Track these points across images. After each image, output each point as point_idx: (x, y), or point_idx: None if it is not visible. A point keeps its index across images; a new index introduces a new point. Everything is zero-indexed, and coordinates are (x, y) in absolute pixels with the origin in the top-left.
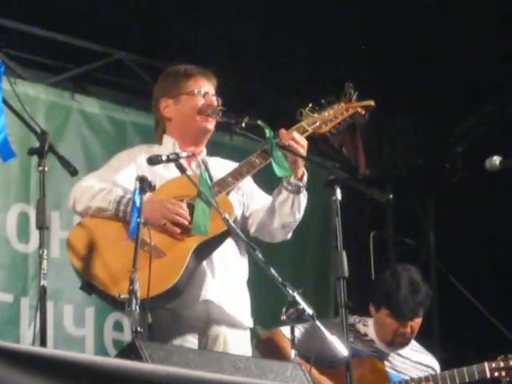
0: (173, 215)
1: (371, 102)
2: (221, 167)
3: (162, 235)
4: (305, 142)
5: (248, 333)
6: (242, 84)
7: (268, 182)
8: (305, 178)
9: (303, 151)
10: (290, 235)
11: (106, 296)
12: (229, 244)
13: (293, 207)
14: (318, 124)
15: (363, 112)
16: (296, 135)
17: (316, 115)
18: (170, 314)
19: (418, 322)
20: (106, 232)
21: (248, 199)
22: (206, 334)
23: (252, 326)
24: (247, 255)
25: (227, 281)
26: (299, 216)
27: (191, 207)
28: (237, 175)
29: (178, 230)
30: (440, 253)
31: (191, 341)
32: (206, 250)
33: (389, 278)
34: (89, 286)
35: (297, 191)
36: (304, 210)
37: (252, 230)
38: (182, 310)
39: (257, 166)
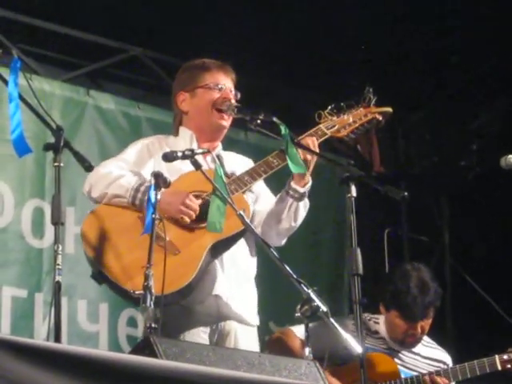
0: (185, 209)
1: (389, 109)
2: (235, 162)
3: (178, 231)
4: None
5: (255, 330)
6: (258, 79)
7: (278, 182)
8: (308, 186)
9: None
10: (283, 241)
11: (118, 288)
12: (239, 242)
13: (289, 212)
14: (336, 128)
15: (380, 118)
16: (315, 142)
17: (335, 118)
18: (180, 309)
19: (428, 322)
20: (120, 222)
21: (256, 198)
22: (217, 330)
23: (258, 323)
24: (256, 255)
25: (236, 277)
26: (294, 225)
27: (207, 204)
28: (254, 175)
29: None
30: (454, 250)
31: (202, 336)
32: (220, 248)
33: (398, 279)
34: (100, 275)
35: (298, 198)
36: (301, 220)
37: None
38: (193, 305)
39: (275, 166)
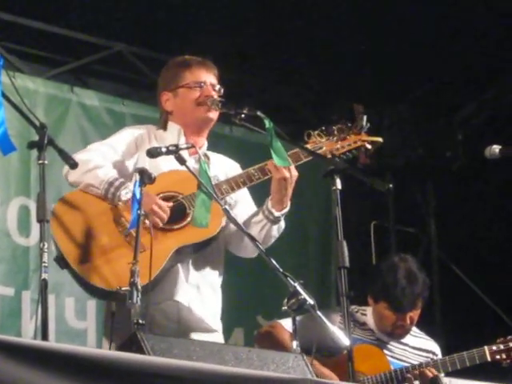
0: (155, 218)
1: (379, 139)
2: (221, 165)
3: (146, 230)
4: (295, 173)
5: (218, 335)
6: (243, 75)
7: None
8: (285, 211)
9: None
10: (250, 256)
11: (78, 277)
12: (208, 250)
13: (260, 232)
14: (323, 150)
15: (369, 147)
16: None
17: (323, 140)
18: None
19: (416, 313)
20: (91, 211)
21: (234, 203)
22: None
23: (220, 330)
24: (223, 262)
25: (200, 284)
26: (263, 246)
27: (180, 206)
28: (233, 185)
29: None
30: (441, 241)
31: None
32: (186, 253)
33: (386, 271)
34: (62, 260)
35: (272, 220)
36: (271, 242)
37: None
38: (152, 307)
39: (255, 179)
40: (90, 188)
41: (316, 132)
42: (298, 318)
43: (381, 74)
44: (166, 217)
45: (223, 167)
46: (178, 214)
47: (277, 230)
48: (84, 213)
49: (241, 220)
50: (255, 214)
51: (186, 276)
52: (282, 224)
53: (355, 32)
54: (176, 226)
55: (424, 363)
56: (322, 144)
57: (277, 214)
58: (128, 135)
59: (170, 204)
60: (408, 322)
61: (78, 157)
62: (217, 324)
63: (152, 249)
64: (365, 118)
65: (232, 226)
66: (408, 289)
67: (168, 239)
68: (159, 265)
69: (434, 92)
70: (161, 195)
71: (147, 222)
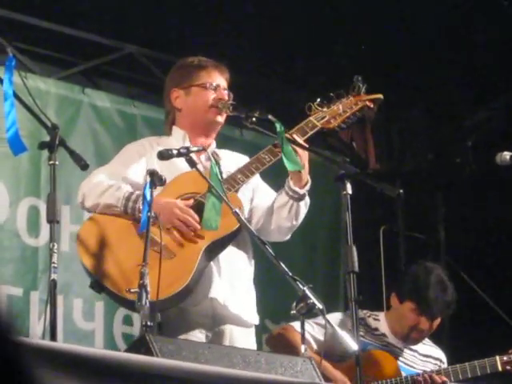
0: (179, 223)
1: (380, 96)
2: (231, 159)
3: (172, 235)
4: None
5: (253, 330)
6: (253, 78)
7: (276, 178)
8: (307, 187)
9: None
10: (287, 238)
11: (116, 297)
12: (236, 243)
13: (290, 213)
14: (326, 119)
15: (372, 105)
16: (297, 139)
17: (325, 109)
18: (177, 311)
19: (438, 321)
20: (115, 230)
21: (252, 194)
22: (213, 331)
23: (257, 323)
24: (253, 257)
25: (233, 280)
26: (296, 223)
27: (200, 205)
28: (246, 172)
29: (188, 233)
30: (450, 247)
31: (198, 336)
32: (215, 249)
33: (420, 273)
34: (98, 284)
35: (297, 198)
36: (303, 217)
37: (251, 225)
38: (189, 306)
39: (266, 162)
40: (109, 208)
41: (316, 103)
42: (315, 322)
43: (391, 79)
44: (197, 225)
45: (234, 161)
46: (200, 212)
47: (305, 206)
48: (108, 233)
49: (263, 207)
50: (278, 198)
51: (219, 272)
52: (307, 199)
53: (366, 35)
54: (200, 226)
55: (435, 371)
56: (324, 113)
57: (301, 191)
58: (129, 151)
59: (191, 203)
60: (428, 327)
61: (88, 183)
62: (252, 318)
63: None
64: (359, 78)
65: (258, 210)
66: (440, 296)
67: (196, 239)
68: (192, 267)
69: (444, 98)
70: (180, 198)
71: (176, 234)
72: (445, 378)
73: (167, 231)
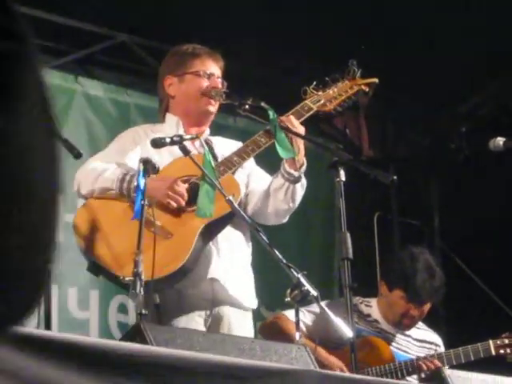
0: (175, 196)
1: (375, 80)
2: (224, 145)
3: (169, 215)
4: (302, 129)
5: (250, 314)
6: (246, 66)
7: (271, 163)
8: (303, 169)
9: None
10: (285, 220)
11: (112, 276)
12: (234, 225)
13: (286, 195)
14: (322, 102)
15: (367, 89)
16: (293, 120)
17: (320, 93)
18: (175, 293)
19: (428, 306)
20: (111, 213)
21: (248, 178)
22: (211, 314)
23: (256, 307)
24: (251, 241)
25: (232, 261)
26: (293, 205)
27: (196, 186)
28: (243, 154)
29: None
30: (444, 233)
31: (196, 320)
32: (213, 229)
33: (407, 260)
34: (95, 267)
35: (293, 180)
36: (300, 199)
37: (248, 210)
38: (188, 288)
39: (262, 144)
40: (104, 192)
41: (311, 87)
42: (307, 309)
43: (385, 64)
44: (181, 200)
45: (228, 148)
46: (196, 194)
47: (301, 188)
48: (104, 217)
49: (259, 191)
50: (274, 181)
51: (218, 253)
52: (304, 181)
53: (362, 22)
54: (194, 208)
55: (429, 356)
56: (319, 97)
57: (296, 173)
58: (123, 138)
59: (186, 186)
60: (418, 313)
61: (82, 171)
62: (250, 301)
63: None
64: (354, 62)
65: (254, 195)
66: (428, 281)
67: (192, 220)
68: (189, 246)
69: (437, 84)
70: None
71: (172, 203)
72: (439, 364)
73: (164, 212)
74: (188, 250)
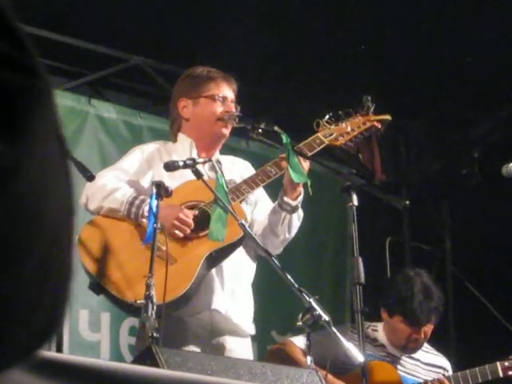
0: (182, 226)
1: (388, 117)
2: (233, 165)
3: (175, 241)
4: (307, 165)
5: (249, 340)
6: (259, 89)
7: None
8: (300, 199)
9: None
10: (279, 251)
11: (116, 300)
12: (238, 252)
13: (283, 225)
14: (334, 136)
15: (379, 126)
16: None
17: (333, 127)
18: (174, 321)
19: (430, 327)
20: (117, 233)
21: (254, 207)
22: (210, 344)
23: (253, 333)
24: (256, 261)
25: (235, 291)
26: (288, 236)
27: (204, 213)
28: (252, 184)
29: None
30: (456, 258)
31: (193, 349)
32: (217, 258)
33: (401, 285)
34: (97, 285)
35: (290, 210)
36: (296, 230)
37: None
38: (187, 317)
39: (272, 175)
40: (112, 212)
41: (324, 120)
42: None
43: (397, 89)
44: (188, 230)
45: (237, 168)
46: (203, 221)
47: (297, 219)
48: (110, 236)
49: (262, 218)
50: (272, 210)
51: (222, 283)
52: (301, 212)
53: (369, 46)
54: (203, 233)
55: (437, 379)
56: (332, 130)
57: (294, 203)
58: (137, 155)
59: (196, 212)
60: (422, 336)
61: (92, 185)
62: (249, 328)
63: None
64: (369, 98)
65: (256, 224)
66: (424, 303)
67: (197, 247)
68: (192, 274)
69: (450, 108)
70: (183, 205)
71: (179, 233)
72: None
73: (170, 237)
74: (191, 277)
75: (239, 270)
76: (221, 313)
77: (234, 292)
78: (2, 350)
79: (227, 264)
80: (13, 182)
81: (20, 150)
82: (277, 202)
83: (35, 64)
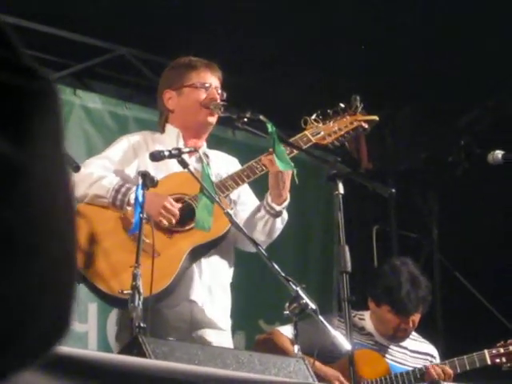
0: (168, 215)
1: (375, 118)
2: (220, 161)
3: (158, 234)
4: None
5: (229, 333)
6: (244, 78)
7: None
8: (285, 204)
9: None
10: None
11: (97, 290)
12: (218, 251)
13: (264, 228)
14: (321, 135)
15: (366, 126)
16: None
17: (320, 125)
18: (153, 313)
19: (418, 316)
20: (101, 221)
21: (236, 201)
22: (190, 337)
23: (229, 328)
24: (234, 265)
25: (212, 284)
26: (269, 239)
27: (188, 206)
28: (237, 179)
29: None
30: (443, 246)
31: None
32: (200, 252)
33: (389, 274)
34: (79, 275)
35: (274, 214)
36: (277, 233)
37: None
38: (166, 309)
39: (258, 172)
40: (97, 199)
41: (312, 118)
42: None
43: (384, 77)
44: (173, 219)
45: (223, 163)
46: (188, 215)
47: (281, 222)
48: (94, 225)
49: (246, 216)
50: (257, 211)
51: (200, 275)
52: (285, 215)
53: (359, 35)
54: (187, 227)
55: (425, 367)
56: (319, 129)
57: (278, 208)
58: (124, 144)
59: (180, 205)
60: (410, 325)
61: (79, 173)
62: (227, 322)
63: (162, 253)
64: (358, 98)
65: (239, 220)
66: (412, 292)
67: (181, 241)
68: (175, 268)
69: (436, 97)
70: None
71: (164, 221)
72: (450, 371)
73: (154, 229)
74: (173, 272)
75: (217, 264)
76: (197, 303)
77: (210, 285)
78: (13, 352)
79: (206, 262)
80: (23, 183)
81: (27, 150)
82: (261, 204)
83: (35, 66)
